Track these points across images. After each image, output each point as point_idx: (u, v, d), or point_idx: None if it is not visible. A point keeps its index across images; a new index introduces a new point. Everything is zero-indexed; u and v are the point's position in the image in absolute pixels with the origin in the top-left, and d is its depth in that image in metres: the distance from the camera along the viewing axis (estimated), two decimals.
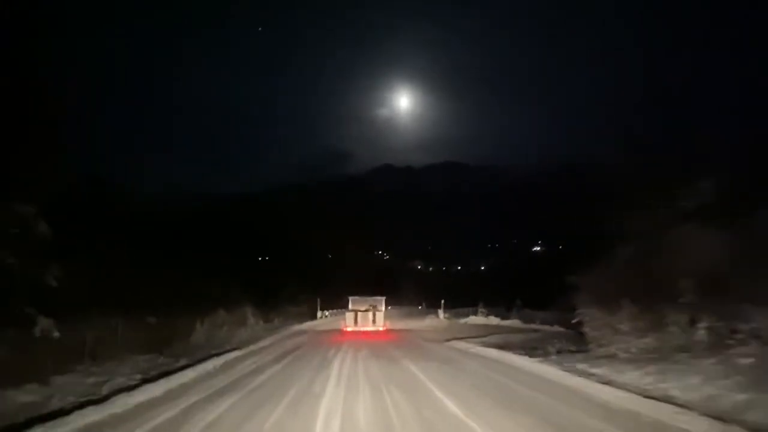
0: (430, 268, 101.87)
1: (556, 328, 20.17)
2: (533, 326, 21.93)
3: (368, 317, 19.92)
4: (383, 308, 21.89)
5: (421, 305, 48.34)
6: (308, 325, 23.43)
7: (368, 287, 27.00)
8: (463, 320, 26.89)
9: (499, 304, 33.27)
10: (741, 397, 5.32)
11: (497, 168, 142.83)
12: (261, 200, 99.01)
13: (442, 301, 30.17)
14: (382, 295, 22.85)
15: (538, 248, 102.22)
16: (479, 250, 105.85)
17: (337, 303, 34.32)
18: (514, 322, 23.65)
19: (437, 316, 29.44)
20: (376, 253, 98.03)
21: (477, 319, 26.28)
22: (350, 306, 21.56)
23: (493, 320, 25.34)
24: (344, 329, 19.53)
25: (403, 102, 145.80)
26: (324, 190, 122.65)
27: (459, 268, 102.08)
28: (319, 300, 29.77)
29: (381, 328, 19.52)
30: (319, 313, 29.41)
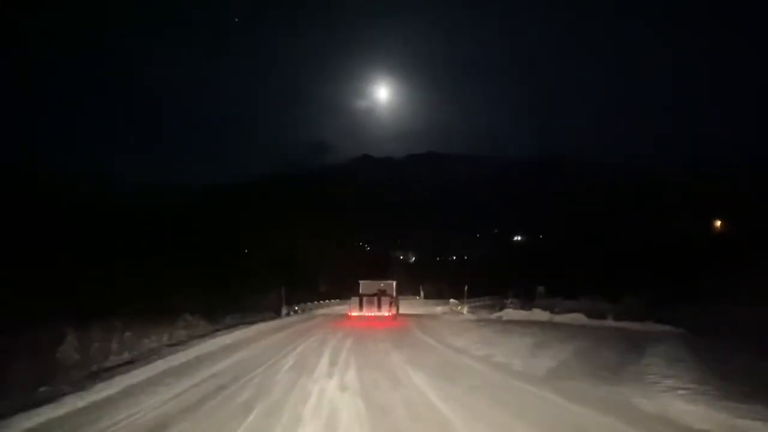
0: (413, 259, 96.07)
1: (660, 327, 12.35)
2: (610, 323, 14.08)
3: (374, 302, 18.73)
4: (394, 292, 20.07)
5: (418, 295, 41.94)
6: (262, 327, 15.01)
7: (354, 277, 23.85)
8: (494, 315, 18.52)
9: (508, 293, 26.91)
10: None
11: (478, 158, 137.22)
12: (237, 192, 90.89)
13: (466, 289, 21.58)
14: (390, 279, 20.69)
15: (519, 238, 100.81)
16: (461, 239, 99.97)
17: (313, 295, 28.10)
18: (578, 317, 15.32)
19: (456, 308, 20.94)
20: (357, 243, 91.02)
21: (516, 314, 17.87)
22: (361, 290, 20.09)
23: (541, 315, 16.97)
24: (349, 314, 18.84)
25: (383, 93, 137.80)
26: (303, 181, 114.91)
27: (440, 258, 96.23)
28: (283, 291, 20.20)
29: (386, 314, 18.38)
30: (284, 309, 20.38)
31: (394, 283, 20.69)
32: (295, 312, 21.06)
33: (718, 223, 56.43)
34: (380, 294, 19.23)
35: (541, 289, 27.89)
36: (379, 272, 34.43)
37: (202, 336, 12.41)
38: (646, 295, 18.36)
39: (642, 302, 17.39)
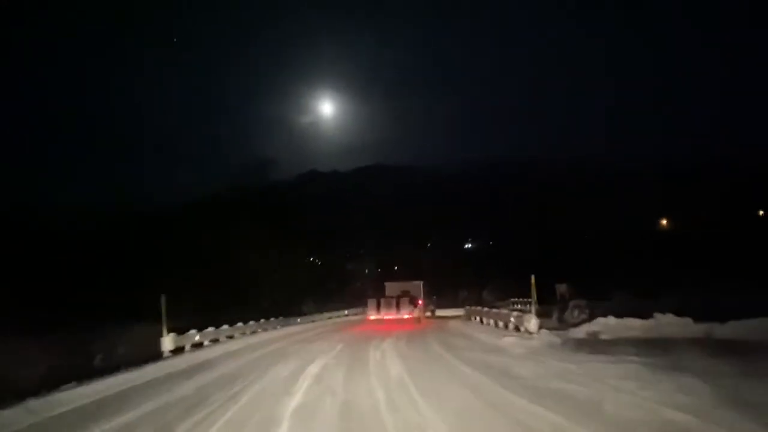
0: (366, 270, 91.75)
1: None
2: None
3: (392, 304, 17.77)
4: (420, 294, 18.94)
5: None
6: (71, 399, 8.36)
7: (302, 293, 24.35)
8: (580, 329, 12.70)
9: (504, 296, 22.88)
10: None
11: (423, 168, 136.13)
12: (174, 213, 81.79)
13: (533, 285, 13.09)
14: (418, 280, 20.13)
15: (470, 245, 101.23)
16: (413, 249, 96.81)
17: (253, 314, 21.78)
18: None
19: (513, 320, 13.99)
20: (308, 259, 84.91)
21: (620, 327, 11.90)
22: (386, 291, 19.54)
23: (679, 327, 11.20)
24: (367, 318, 18.74)
25: (326, 107, 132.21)
26: (247, 198, 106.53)
27: (397, 268, 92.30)
28: (164, 306, 12.28)
29: (406, 317, 17.30)
30: (166, 342, 12.51)
31: (421, 284, 19.21)
32: (198, 346, 13.38)
33: (665, 221, 56.08)
34: (401, 296, 18.07)
35: (562, 288, 22.16)
36: (340, 288, 29.44)
37: None
38: (683, 290, 14.25)
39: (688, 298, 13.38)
